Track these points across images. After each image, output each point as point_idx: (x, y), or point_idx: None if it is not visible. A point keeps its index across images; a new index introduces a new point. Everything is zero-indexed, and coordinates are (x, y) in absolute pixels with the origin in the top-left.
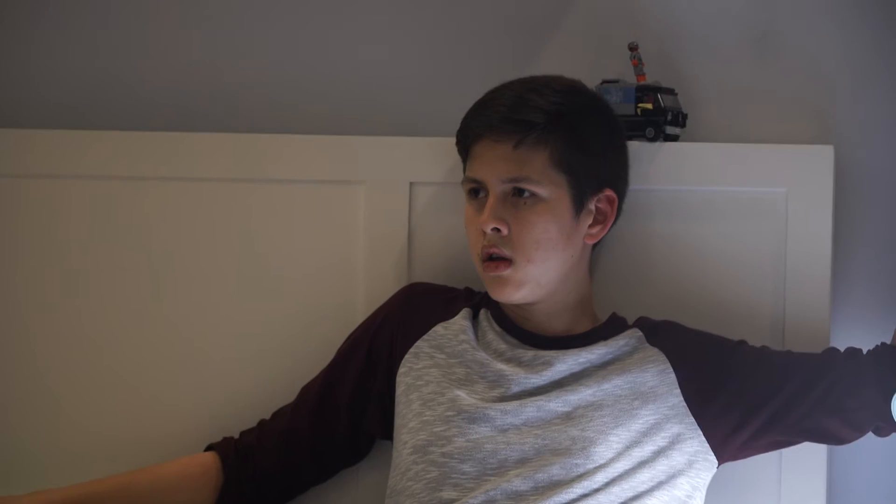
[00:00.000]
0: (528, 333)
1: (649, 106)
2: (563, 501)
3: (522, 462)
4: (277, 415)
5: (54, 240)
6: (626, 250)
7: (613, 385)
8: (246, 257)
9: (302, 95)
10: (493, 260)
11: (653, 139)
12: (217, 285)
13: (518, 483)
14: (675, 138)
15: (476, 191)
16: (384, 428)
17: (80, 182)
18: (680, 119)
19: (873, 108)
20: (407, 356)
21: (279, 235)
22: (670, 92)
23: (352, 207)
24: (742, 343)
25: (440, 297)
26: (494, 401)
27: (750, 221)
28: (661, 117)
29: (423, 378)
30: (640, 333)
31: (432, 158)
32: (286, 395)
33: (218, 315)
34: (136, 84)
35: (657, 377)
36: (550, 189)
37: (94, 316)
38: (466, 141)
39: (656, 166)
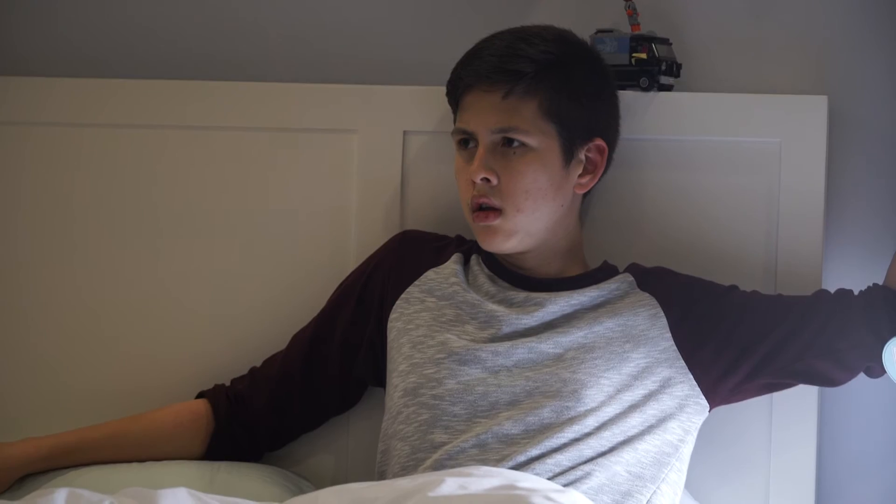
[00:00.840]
0: (520, 276)
1: (643, 55)
2: (554, 445)
3: (513, 404)
4: (268, 362)
5: (55, 187)
6: (619, 200)
7: (605, 327)
8: (238, 205)
9: (295, 44)
10: (483, 210)
11: (647, 89)
12: (210, 233)
13: (509, 426)
14: (669, 88)
15: (466, 141)
16: (375, 375)
17: (82, 130)
18: (674, 69)
19: (867, 58)
20: (398, 302)
21: (272, 183)
22: (664, 42)
23: (345, 156)
24: (733, 288)
25: (431, 244)
26: (485, 341)
27: (743, 171)
28: (656, 67)
29: (413, 322)
30: (632, 278)
31: (425, 107)
32: (278, 342)
33: (210, 263)
34: (127, 32)
35: (648, 321)
36: (540, 139)
37: (90, 264)
38: (456, 91)
39: (650, 116)
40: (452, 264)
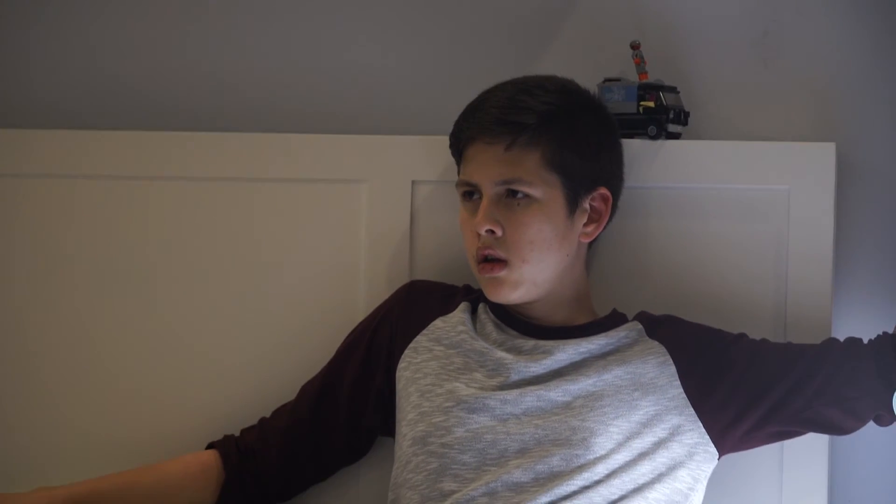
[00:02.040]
0: (528, 324)
1: (651, 104)
2: (565, 493)
3: (522, 452)
4: (278, 413)
5: (53, 239)
6: (627, 248)
7: (614, 375)
8: (246, 257)
9: (302, 95)
10: (489, 261)
11: (655, 137)
12: (217, 285)
13: (518, 474)
14: (677, 136)
15: (470, 193)
16: (384, 424)
17: (80, 182)
18: (682, 117)
19: (875, 105)
20: (406, 351)
21: (280, 235)
22: (672, 90)
23: (353, 206)
24: (742, 336)
25: (439, 293)
26: (494, 389)
27: (752, 219)
28: (664, 115)
29: (421, 370)
30: (641, 326)
31: (433, 156)
32: (287, 393)
33: (218, 314)
34: (134, 84)
35: (657, 369)
36: (543, 189)
37: (94, 315)
38: (459, 143)
39: (658, 164)
40: (460, 313)
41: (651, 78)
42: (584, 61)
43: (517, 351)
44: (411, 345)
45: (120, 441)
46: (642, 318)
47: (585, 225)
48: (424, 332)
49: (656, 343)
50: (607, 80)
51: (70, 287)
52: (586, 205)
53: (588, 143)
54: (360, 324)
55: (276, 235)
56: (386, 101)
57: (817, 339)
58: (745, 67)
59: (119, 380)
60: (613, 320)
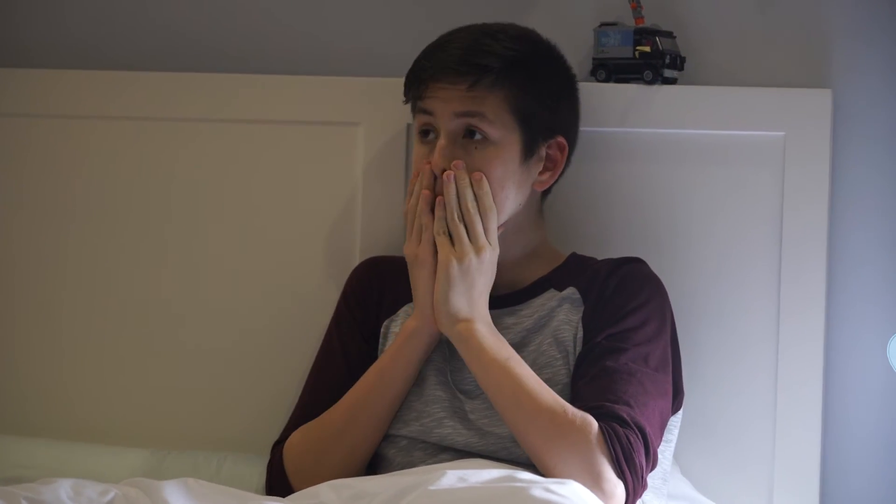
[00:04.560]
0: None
1: (647, 49)
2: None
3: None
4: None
5: (54, 180)
6: (623, 193)
7: (547, 346)
8: (243, 198)
9: (299, 36)
10: None
11: (650, 82)
12: (215, 226)
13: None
14: (672, 81)
15: (426, 132)
16: None
17: (74, 122)
18: (678, 62)
19: (870, 52)
20: (381, 337)
21: (277, 177)
22: (668, 35)
23: (349, 148)
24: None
25: (394, 270)
26: (455, 394)
27: (748, 165)
28: (659, 60)
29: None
30: (578, 295)
31: None
32: (283, 335)
33: (216, 259)
34: (132, 23)
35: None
36: (502, 132)
37: (92, 254)
38: (419, 82)
39: (654, 109)
40: None
41: (647, 23)
42: (581, 5)
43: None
44: (382, 330)
45: (128, 383)
46: (596, 270)
47: (541, 173)
48: (394, 317)
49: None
50: (603, 24)
51: (77, 225)
52: (543, 152)
53: (549, 91)
54: (326, 334)
55: (272, 177)
56: (381, 43)
57: (811, 283)
58: (742, 13)
59: (126, 318)
60: (561, 275)
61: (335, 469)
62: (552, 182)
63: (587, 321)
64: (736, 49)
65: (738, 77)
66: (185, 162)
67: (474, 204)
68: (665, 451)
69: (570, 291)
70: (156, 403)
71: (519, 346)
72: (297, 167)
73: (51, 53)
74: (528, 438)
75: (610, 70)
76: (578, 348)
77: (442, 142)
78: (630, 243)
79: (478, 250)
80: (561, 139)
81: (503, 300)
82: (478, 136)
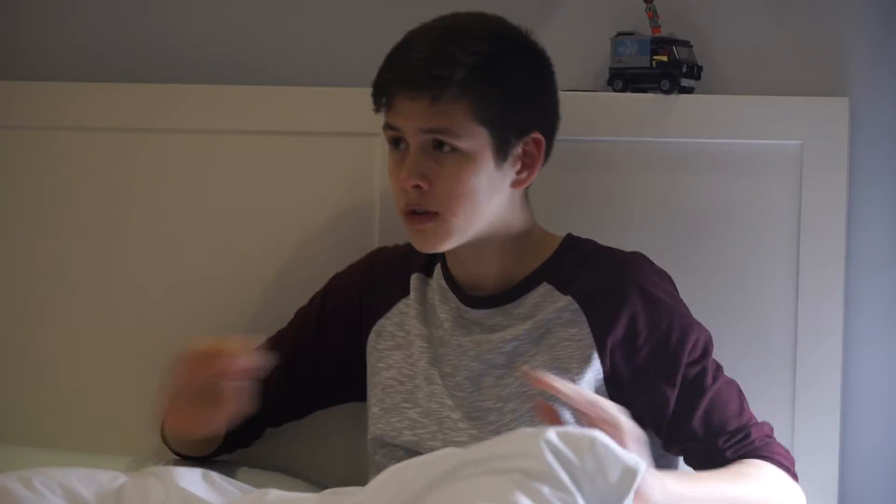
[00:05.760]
0: (468, 296)
1: (664, 58)
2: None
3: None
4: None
5: (66, 192)
6: (639, 202)
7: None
8: (260, 210)
9: (316, 48)
10: (417, 213)
11: (668, 91)
12: (231, 238)
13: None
14: (690, 91)
15: (397, 141)
16: (340, 394)
17: (85, 134)
18: (695, 71)
19: (888, 60)
20: (371, 335)
21: (294, 189)
22: (685, 44)
23: (367, 160)
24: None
25: (400, 261)
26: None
27: (765, 174)
28: (677, 69)
29: (383, 361)
30: (577, 306)
31: None
32: None
33: (231, 267)
34: (142, 36)
35: (579, 363)
36: (471, 142)
37: (101, 264)
38: (382, 96)
39: (671, 119)
40: (415, 295)
41: (664, 32)
42: (598, 15)
43: (459, 348)
44: (375, 328)
45: (121, 390)
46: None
47: (518, 172)
48: (388, 315)
49: (584, 327)
50: (620, 33)
51: (86, 235)
52: (519, 150)
53: (519, 89)
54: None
55: (290, 189)
56: None
57: (829, 294)
58: (759, 22)
59: (117, 325)
60: (555, 268)
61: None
62: (531, 179)
63: (616, 360)
64: (753, 58)
65: (755, 86)
66: (200, 173)
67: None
68: None
69: (568, 302)
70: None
71: (511, 357)
72: (313, 179)
73: (57, 65)
74: None
75: (627, 80)
76: (589, 372)
77: (411, 156)
78: (647, 252)
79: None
80: (536, 135)
81: (494, 299)
82: (447, 148)
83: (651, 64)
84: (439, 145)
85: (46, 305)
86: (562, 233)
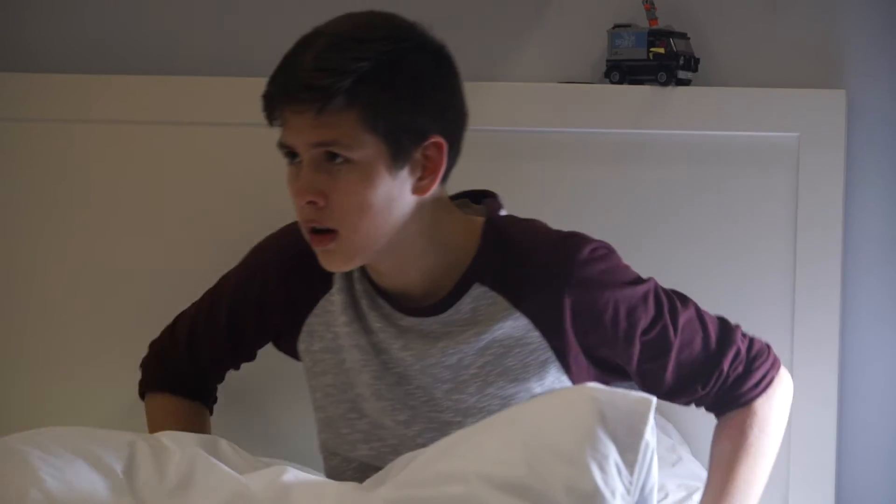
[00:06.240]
0: (399, 303)
1: (661, 50)
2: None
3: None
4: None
5: (62, 184)
6: (637, 194)
7: (495, 388)
8: (262, 205)
9: None
10: (318, 233)
11: (665, 84)
12: (234, 233)
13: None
14: (686, 83)
15: (292, 154)
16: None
17: (73, 126)
18: (692, 63)
19: (885, 52)
20: (302, 334)
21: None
22: (682, 36)
23: None
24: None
25: (304, 257)
26: (387, 409)
27: (762, 166)
28: (673, 62)
29: (319, 365)
30: (518, 312)
31: None
32: None
33: (216, 255)
34: (134, 28)
35: (537, 368)
36: (364, 152)
37: (90, 255)
38: (270, 111)
39: (668, 111)
40: (339, 295)
41: (661, 24)
42: (594, 7)
43: (392, 354)
44: (305, 327)
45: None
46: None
47: (420, 178)
48: (314, 312)
49: (537, 335)
50: (617, 26)
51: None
52: (417, 157)
53: (412, 93)
54: (226, 286)
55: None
56: None
57: (827, 285)
58: (756, 14)
59: (117, 317)
60: (483, 266)
61: None
62: (434, 185)
63: (572, 357)
64: (750, 50)
65: (752, 78)
66: (187, 164)
67: None
68: (667, 427)
69: (506, 306)
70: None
71: (456, 371)
72: None
73: (61, 57)
74: None
75: (624, 72)
76: (549, 377)
77: (304, 171)
78: (644, 245)
79: None
80: (436, 138)
81: (427, 310)
82: (339, 160)
83: (648, 56)
84: (332, 157)
85: (48, 296)
86: (482, 216)
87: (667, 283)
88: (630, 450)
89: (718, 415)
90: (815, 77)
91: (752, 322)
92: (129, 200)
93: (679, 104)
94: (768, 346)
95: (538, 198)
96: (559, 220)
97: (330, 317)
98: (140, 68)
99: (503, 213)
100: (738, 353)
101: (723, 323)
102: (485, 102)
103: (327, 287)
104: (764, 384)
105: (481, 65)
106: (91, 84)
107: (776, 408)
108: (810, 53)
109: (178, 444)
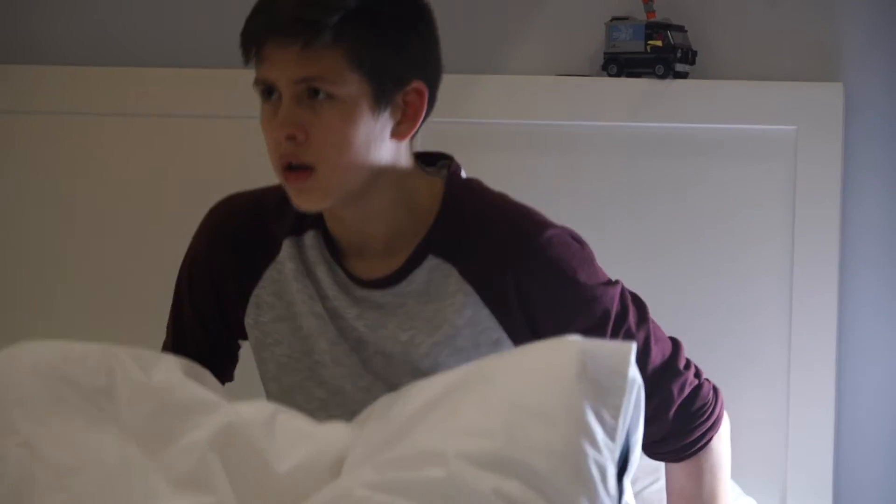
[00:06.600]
0: (353, 276)
1: (659, 43)
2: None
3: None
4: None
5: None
6: (634, 187)
7: (447, 368)
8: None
9: None
10: (294, 169)
11: (662, 76)
12: None
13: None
14: (684, 75)
15: (269, 91)
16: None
17: (75, 118)
18: (689, 56)
19: (882, 45)
20: (249, 308)
21: None
22: (680, 29)
23: None
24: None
25: (251, 219)
26: (345, 377)
27: (760, 158)
28: (671, 54)
29: (272, 336)
30: (469, 287)
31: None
32: None
33: None
34: (141, 20)
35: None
36: (347, 89)
37: (98, 246)
38: (251, 46)
39: (666, 104)
40: (289, 262)
41: (659, 17)
42: (592, 0)
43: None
44: (252, 299)
45: None
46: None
47: (399, 123)
48: (261, 283)
49: (486, 313)
50: (615, 18)
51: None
52: (398, 101)
53: (396, 35)
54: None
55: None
56: None
57: (823, 277)
58: (753, 7)
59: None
60: (439, 237)
61: None
62: (414, 130)
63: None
64: (747, 43)
65: (749, 71)
66: (198, 157)
67: None
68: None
69: (460, 282)
70: None
71: (407, 347)
72: None
73: (68, 50)
74: None
75: (621, 64)
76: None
77: (285, 104)
78: (640, 237)
79: None
80: (417, 84)
81: (381, 282)
82: (322, 95)
83: (646, 49)
84: (314, 93)
85: (54, 286)
86: (442, 177)
87: (664, 274)
88: (615, 393)
89: (674, 460)
90: (812, 70)
91: (749, 313)
92: (136, 192)
93: (676, 97)
94: (714, 388)
95: (535, 190)
96: (555, 211)
97: (280, 286)
98: (147, 61)
99: (463, 174)
100: (682, 387)
101: (674, 349)
102: (482, 95)
103: (273, 255)
104: (712, 432)
105: (479, 57)
106: (98, 76)
107: (724, 436)
108: (808, 47)
109: (137, 358)
